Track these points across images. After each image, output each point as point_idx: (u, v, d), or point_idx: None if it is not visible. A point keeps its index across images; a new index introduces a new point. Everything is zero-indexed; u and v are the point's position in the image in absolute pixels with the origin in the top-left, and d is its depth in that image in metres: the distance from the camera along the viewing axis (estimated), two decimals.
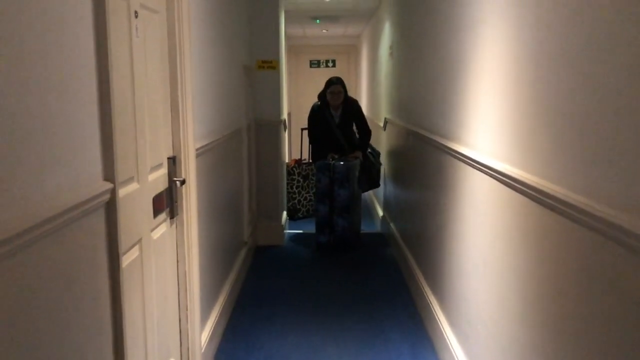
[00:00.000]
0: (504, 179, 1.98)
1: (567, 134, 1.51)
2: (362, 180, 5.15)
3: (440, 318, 3.08)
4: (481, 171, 2.29)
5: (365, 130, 5.30)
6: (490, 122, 2.22)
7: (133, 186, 1.96)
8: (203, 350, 2.82)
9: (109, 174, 1.63)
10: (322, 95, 5.20)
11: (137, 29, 2.01)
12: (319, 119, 5.20)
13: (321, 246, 5.07)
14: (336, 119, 5.17)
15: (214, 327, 3.13)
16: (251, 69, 5.01)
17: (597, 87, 1.36)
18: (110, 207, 1.63)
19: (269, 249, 5.14)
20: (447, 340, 2.87)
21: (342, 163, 4.95)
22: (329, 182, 4.99)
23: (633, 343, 1.18)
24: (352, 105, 5.24)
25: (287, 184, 6.09)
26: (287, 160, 6.52)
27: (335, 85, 5.10)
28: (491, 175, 2.15)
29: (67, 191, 1.38)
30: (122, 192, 1.79)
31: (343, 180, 4.96)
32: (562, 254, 1.54)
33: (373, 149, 5.51)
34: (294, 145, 9.77)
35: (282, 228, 5.38)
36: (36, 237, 1.22)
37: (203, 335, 2.89)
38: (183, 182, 2.49)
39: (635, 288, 1.17)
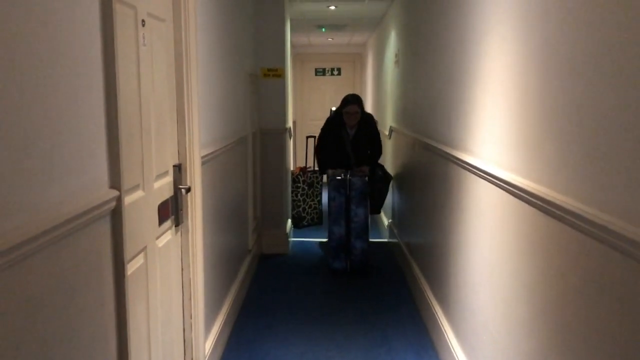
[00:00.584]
0: (510, 188, 1.97)
1: (574, 143, 1.50)
2: None
3: (445, 328, 3.06)
4: (487, 180, 2.28)
5: (376, 148, 5.07)
6: (497, 131, 2.21)
7: (139, 194, 1.96)
8: (207, 358, 2.81)
9: (115, 181, 1.63)
10: (338, 112, 5.00)
11: (144, 37, 2.02)
12: (333, 132, 5.00)
13: (336, 273, 4.62)
14: (350, 136, 4.97)
15: (218, 335, 3.12)
16: (257, 77, 5.03)
17: (604, 98, 1.35)
18: (116, 215, 1.63)
19: (273, 257, 5.13)
20: (453, 351, 2.85)
21: (358, 178, 4.63)
22: (344, 201, 4.59)
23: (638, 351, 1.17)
24: (368, 123, 5.03)
25: (292, 191, 6.08)
26: (292, 168, 6.52)
27: (351, 105, 4.86)
28: (497, 185, 2.14)
29: (73, 199, 1.38)
30: (127, 199, 1.79)
31: (361, 197, 4.59)
32: (568, 264, 1.52)
33: (385, 171, 5.30)
34: (299, 153, 9.78)
35: (287, 236, 5.38)
36: (42, 244, 1.22)
37: (207, 343, 2.88)
38: (188, 189, 2.49)
39: None
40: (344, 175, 4.64)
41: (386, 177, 5.29)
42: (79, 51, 1.43)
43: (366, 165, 4.97)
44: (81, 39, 1.45)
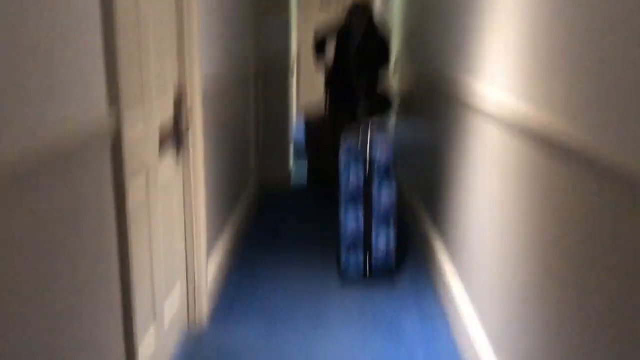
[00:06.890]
0: (512, 122, 1.96)
1: (582, 77, 1.48)
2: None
3: (445, 265, 3.12)
4: (489, 115, 2.27)
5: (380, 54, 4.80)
6: (504, 62, 2.18)
7: (139, 123, 1.96)
8: (209, 283, 2.88)
9: (114, 110, 1.62)
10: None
11: None
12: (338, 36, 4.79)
13: (349, 272, 3.39)
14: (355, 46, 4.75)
15: (221, 260, 3.21)
16: (260, 9, 4.92)
17: (612, 30, 1.32)
18: (116, 143, 1.64)
19: (276, 189, 5.23)
20: (452, 287, 2.91)
21: (383, 151, 3.32)
22: (363, 176, 3.34)
23: (630, 286, 1.20)
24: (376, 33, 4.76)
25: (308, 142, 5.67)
26: (295, 110, 6.36)
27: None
28: (499, 120, 2.13)
29: (71, 126, 1.38)
30: (127, 128, 1.80)
31: (384, 174, 3.34)
32: (566, 198, 1.53)
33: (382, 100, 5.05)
34: (303, 95, 9.63)
35: (290, 173, 5.42)
36: (40, 170, 1.23)
37: (210, 267, 2.96)
38: (188, 124, 2.49)
39: (636, 233, 1.18)
40: (362, 138, 3.34)
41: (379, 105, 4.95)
42: None
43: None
44: None
